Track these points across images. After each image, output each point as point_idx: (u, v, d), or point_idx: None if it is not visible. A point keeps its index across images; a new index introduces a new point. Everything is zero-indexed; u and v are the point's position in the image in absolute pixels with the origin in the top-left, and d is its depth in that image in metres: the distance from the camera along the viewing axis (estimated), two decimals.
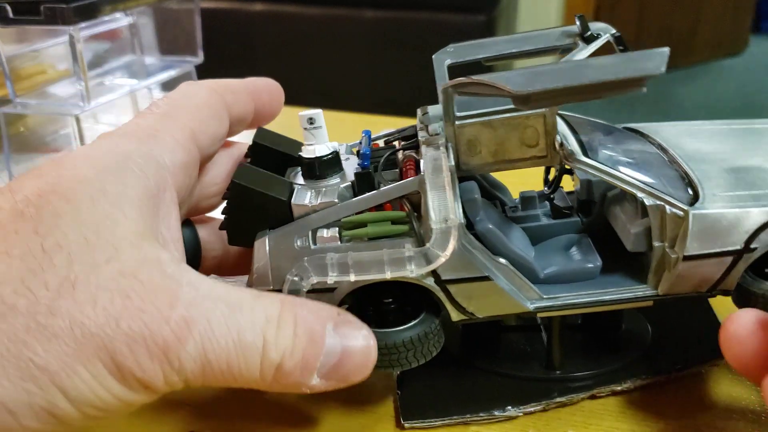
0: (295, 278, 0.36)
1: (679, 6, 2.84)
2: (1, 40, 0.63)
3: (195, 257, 0.40)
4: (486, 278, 0.36)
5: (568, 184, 0.44)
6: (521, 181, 0.45)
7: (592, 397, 0.39)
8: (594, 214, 0.42)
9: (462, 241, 0.35)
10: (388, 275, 0.35)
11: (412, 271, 0.35)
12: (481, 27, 1.87)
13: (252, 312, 0.32)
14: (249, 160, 0.42)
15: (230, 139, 0.43)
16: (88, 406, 0.29)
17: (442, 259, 0.35)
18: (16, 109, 0.66)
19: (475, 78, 0.33)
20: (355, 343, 0.34)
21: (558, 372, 0.41)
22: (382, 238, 0.36)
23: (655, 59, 0.31)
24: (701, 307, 0.45)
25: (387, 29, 1.93)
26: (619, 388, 0.39)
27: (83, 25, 0.62)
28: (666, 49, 0.31)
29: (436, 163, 0.36)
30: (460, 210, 0.35)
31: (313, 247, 0.36)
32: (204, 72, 0.74)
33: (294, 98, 0.77)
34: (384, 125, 0.81)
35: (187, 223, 0.40)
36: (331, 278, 0.35)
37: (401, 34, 1.93)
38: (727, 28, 3.01)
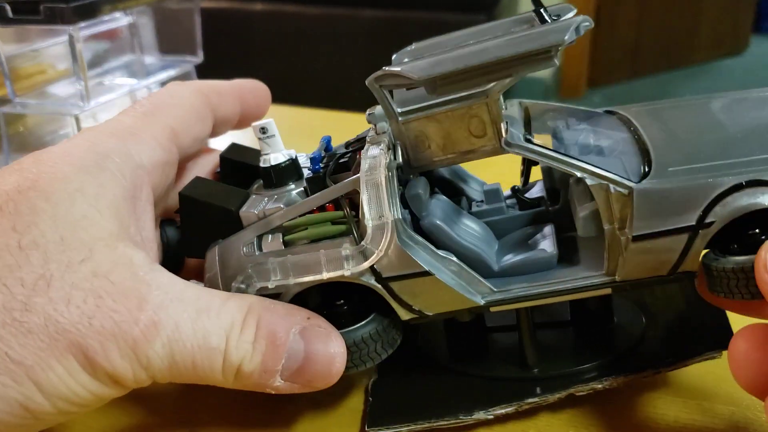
0: (241, 285, 0.36)
1: (679, 6, 2.84)
2: (1, 39, 0.62)
3: (178, 259, 0.40)
4: (427, 273, 0.35)
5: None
6: (507, 172, 0.45)
7: (571, 397, 0.38)
8: (561, 202, 0.40)
9: (402, 237, 0.34)
10: (325, 276, 0.35)
11: (348, 270, 0.35)
12: None
13: (218, 316, 0.33)
14: (219, 171, 0.42)
15: (216, 139, 0.44)
16: (62, 399, 0.30)
17: (378, 256, 0.34)
18: (16, 109, 0.65)
19: (387, 69, 0.33)
20: (320, 348, 0.35)
21: (536, 371, 0.39)
22: (323, 239, 0.36)
23: (560, 30, 0.30)
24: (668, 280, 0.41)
25: (386, 29, 1.93)
26: (600, 386, 0.37)
27: (83, 24, 0.62)
28: (575, 19, 0.30)
29: (372, 161, 0.36)
30: (398, 206, 0.35)
31: (257, 253, 0.36)
32: (204, 72, 0.74)
33: (293, 98, 0.77)
34: None
35: (172, 224, 0.41)
36: (273, 282, 0.36)
37: (401, 33, 1.92)
38: (727, 27, 3.00)
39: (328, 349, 0.35)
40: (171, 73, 0.75)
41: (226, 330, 0.33)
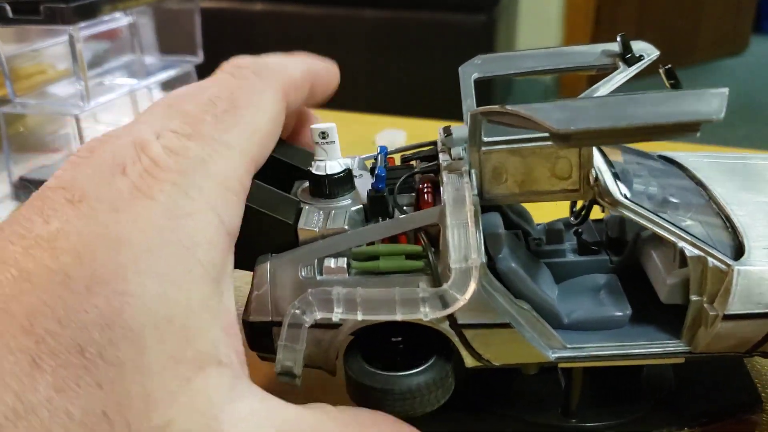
0: (297, 311, 0.33)
1: (680, 5, 2.84)
2: (1, 39, 0.63)
3: None
4: (507, 325, 0.33)
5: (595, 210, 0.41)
6: (545, 205, 0.42)
7: None
8: (625, 254, 0.39)
9: (482, 283, 0.32)
10: (399, 317, 0.32)
11: (426, 315, 0.32)
12: (481, 27, 1.87)
13: None
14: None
15: None
16: None
17: (461, 303, 0.32)
18: (16, 109, 0.66)
19: (511, 108, 0.30)
20: None
21: (574, 420, 0.38)
22: (394, 273, 0.33)
23: (713, 101, 0.28)
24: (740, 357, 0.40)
25: (387, 29, 1.93)
26: None
27: (83, 24, 0.62)
28: (724, 90, 0.28)
29: (458, 194, 0.33)
30: (483, 247, 0.33)
31: (318, 278, 0.34)
32: (204, 72, 0.74)
33: None
34: (384, 125, 0.81)
35: None
36: (336, 315, 0.33)
37: (401, 33, 1.93)
38: (728, 27, 3.01)
39: None
40: (171, 73, 0.75)
41: None
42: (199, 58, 0.77)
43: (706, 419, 0.38)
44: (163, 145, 0.29)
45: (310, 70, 0.38)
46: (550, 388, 0.40)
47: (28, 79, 0.67)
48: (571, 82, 2.69)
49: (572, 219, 0.41)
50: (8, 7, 0.60)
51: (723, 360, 0.41)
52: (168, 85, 0.76)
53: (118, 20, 0.72)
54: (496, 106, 0.32)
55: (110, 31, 0.73)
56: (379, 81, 1.91)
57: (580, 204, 0.41)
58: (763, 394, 0.39)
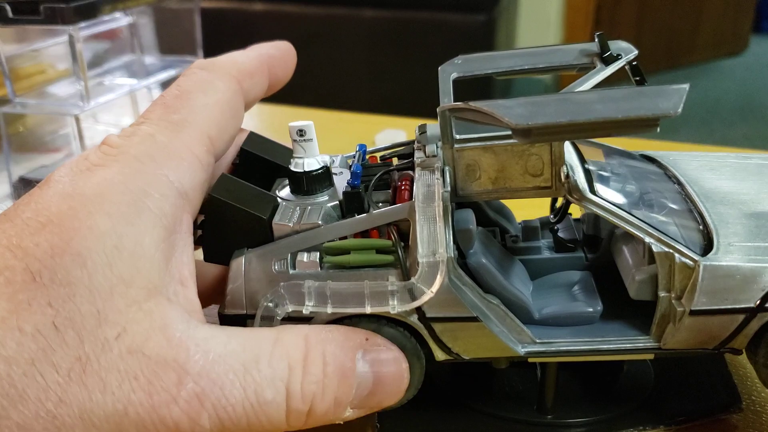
0: (270, 304, 0.34)
1: (679, 6, 2.84)
2: (1, 39, 0.63)
3: None
4: (475, 319, 0.33)
5: (575, 209, 0.41)
6: (528, 204, 0.42)
7: None
8: (600, 251, 0.40)
9: (451, 277, 0.33)
10: (368, 310, 0.33)
11: (394, 307, 0.33)
12: (481, 27, 1.87)
13: (270, 364, 0.30)
14: (237, 163, 0.40)
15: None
16: None
17: (428, 296, 0.33)
18: (16, 109, 0.66)
19: (473, 105, 0.31)
20: (387, 369, 0.33)
21: (549, 417, 0.38)
22: (365, 267, 0.34)
23: (672, 97, 0.28)
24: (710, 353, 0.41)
25: (387, 29, 1.93)
26: None
27: (83, 24, 0.62)
28: (684, 86, 0.29)
29: (428, 190, 0.34)
30: (451, 242, 0.33)
31: (291, 272, 0.34)
32: None
33: (293, 98, 0.77)
34: (383, 125, 0.81)
35: None
36: (307, 308, 0.34)
37: (401, 33, 1.93)
38: (727, 27, 3.01)
39: (395, 367, 0.33)
40: (171, 73, 0.75)
41: (282, 377, 0.30)
42: (199, 58, 0.77)
43: (683, 418, 0.38)
44: (119, 135, 0.33)
45: (263, 55, 0.40)
46: (527, 384, 0.40)
47: (28, 79, 0.67)
48: (571, 81, 2.69)
49: (551, 217, 0.42)
50: (8, 7, 0.60)
51: (705, 359, 0.41)
52: (168, 85, 0.76)
53: (118, 20, 0.72)
54: (461, 103, 0.32)
55: (110, 31, 0.73)
56: (379, 81, 1.92)
57: (561, 202, 0.42)
58: (744, 395, 0.39)
